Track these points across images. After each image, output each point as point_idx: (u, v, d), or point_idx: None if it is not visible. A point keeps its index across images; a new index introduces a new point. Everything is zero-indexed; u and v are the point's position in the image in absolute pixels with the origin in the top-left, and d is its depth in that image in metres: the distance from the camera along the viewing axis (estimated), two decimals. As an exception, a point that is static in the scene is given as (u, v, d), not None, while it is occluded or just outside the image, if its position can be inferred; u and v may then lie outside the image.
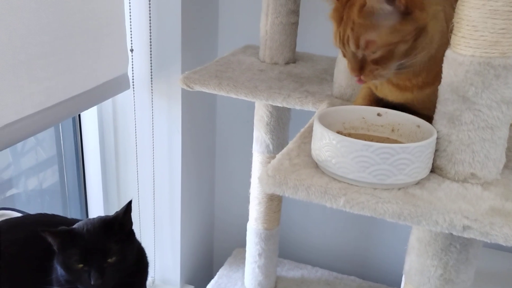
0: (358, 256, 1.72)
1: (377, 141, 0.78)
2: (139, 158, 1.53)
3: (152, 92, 1.44)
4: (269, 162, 0.79)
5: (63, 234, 0.98)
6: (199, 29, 1.47)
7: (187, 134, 1.51)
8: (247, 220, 1.47)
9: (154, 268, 1.66)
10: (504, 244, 0.65)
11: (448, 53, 0.72)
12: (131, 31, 1.36)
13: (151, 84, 1.43)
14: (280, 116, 1.32)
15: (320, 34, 1.41)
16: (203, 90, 1.16)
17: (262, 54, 1.29)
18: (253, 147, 1.38)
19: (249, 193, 1.45)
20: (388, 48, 0.74)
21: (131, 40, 1.37)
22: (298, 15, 1.27)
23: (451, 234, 0.70)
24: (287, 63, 1.29)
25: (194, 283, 1.75)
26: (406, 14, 0.72)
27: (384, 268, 1.69)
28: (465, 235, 0.67)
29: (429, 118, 0.78)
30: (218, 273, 1.65)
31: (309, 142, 0.80)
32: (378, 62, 0.76)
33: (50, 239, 0.98)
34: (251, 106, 1.35)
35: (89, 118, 1.52)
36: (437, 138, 0.74)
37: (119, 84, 1.36)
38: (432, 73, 0.78)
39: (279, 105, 1.11)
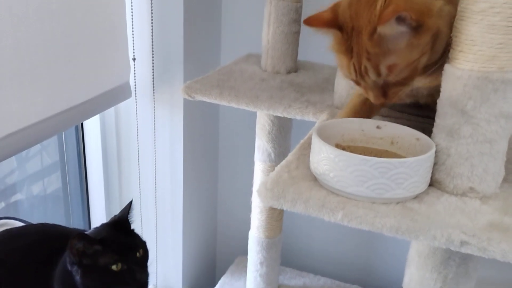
0: (360, 264, 1.72)
1: (376, 154, 0.79)
2: (141, 166, 1.53)
3: (154, 101, 1.44)
4: (271, 171, 0.79)
5: (93, 241, 0.97)
6: (202, 38, 1.48)
7: (189, 142, 1.51)
8: (249, 228, 1.47)
9: (156, 276, 1.66)
10: (501, 260, 0.65)
11: (447, 67, 0.72)
12: (133, 40, 1.37)
13: (153, 93, 1.43)
14: (281, 125, 1.32)
15: (322, 43, 1.41)
16: (205, 100, 1.16)
17: (264, 63, 1.30)
18: (255, 155, 1.38)
19: (251, 201, 1.45)
20: (412, 66, 0.72)
21: (133, 49, 1.38)
22: (300, 24, 1.27)
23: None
24: (288, 72, 1.29)
25: (196, 291, 1.75)
26: (418, 27, 0.70)
27: (387, 276, 1.69)
28: (463, 250, 0.66)
29: None
30: (220, 281, 1.64)
31: (309, 154, 0.80)
32: (402, 83, 0.74)
33: (79, 248, 0.95)
34: (254, 114, 1.35)
35: (92, 126, 1.52)
36: (436, 152, 0.74)
37: (121, 93, 1.37)
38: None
39: (280, 115, 1.11)
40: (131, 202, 1.05)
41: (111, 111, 1.50)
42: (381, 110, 0.94)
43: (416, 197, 0.73)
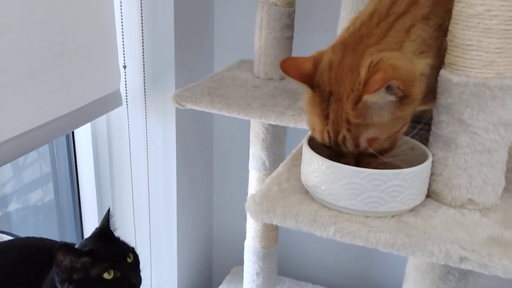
0: (358, 273, 1.69)
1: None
2: (134, 175, 1.50)
3: (145, 109, 1.41)
4: (265, 180, 0.76)
5: (80, 253, 0.95)
6: (194, 44, 1.45)
7: (182, 150, 1.48)
8: (245, 237, 1.44)
9: (151, 287, 1.63)
10: (503, 277, 0.61)
11: (443, 73, 0.68)
12: (123, 47, 1.34)
13: (145, 100, 1.40)
14: (276, 132, 1.29)
15: (315, 49, 1.38)
16: (195, 108, 1.13)
17: (257, 70, 1.27)
18: (249, 164, 1.35)
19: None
20: (392, 138, 0.68)
21: (124, 56, 1.35)
22: (293, 29, 1.24)
23: (448, 263, 0.66)
24: (282, 78, 1.26)
25: (192, 302, 1.72)
26: (404, 98, 0.64)
27: (385, 285, 1.65)
28: (463, 266, 0.63)
29: None
30: (216, 292, 1.61)
31: (300, 165, 0.77)
32: (379, 155, 0.68)
33: (66, 265, 0.93)
34: (248, 122, 1.32)
35: (83, 135, 1.50)
36: (433, 162, 0.71)
37: (111, 101, 1.34)
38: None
39: (273, 123, 1.08)
40: (108, 210, 1.03)
41: (102, 120, 1.47)
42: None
43: (412, 209, 0.70)
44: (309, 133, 0.81)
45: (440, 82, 0.69)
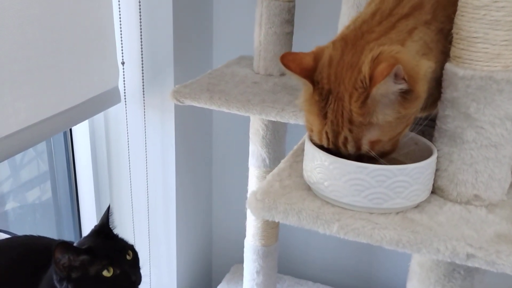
0: (360, 271, 1.67)
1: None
2: (133, 173, 1.49)
3: (144, 106, 1.40)
4: (266, 177, 0.75)
5: (79, 251, 0.93)
6: (193, 40, 1.43)
7: (181, 148, 1.47)
8: (245, 235, 1.42)
9: (150, 286, 1.61)
10: (511, 274, 0.60)
11: (448, 66, 0.67)
12: (121, 43, 1.32)
13: (143, 97, 1.39)
14: (276, 129, 1.27)
15: (315, 44, 1.37)
16: (194, 105, 1.12)
17: (256, 66, 1.25)
18: (249, 161, 1.33)
19: (246, 208, 1.40)
20: (393, 140, 0.66)
21: (122, 53, 1.33)
22: (292, 25, 1.22)
23: (454, 260, 0.65)
24: (282, 74, 1.24)
25: (192, 300, 1.70)
26: (408, 93, 0.62)
27: (388, 284, 1.64)
28: (469, 263, 0.62)
29: None
30: (216, 291, 1.60)
31: (302, 161, 0.75)
32: (381, 156, 0.66)
33: (64, 263, 0.91)
34: (248, 118, 1.31)
35: (81, 132, 1.48)
36: (438, 157, 0.69)
37: (109, 98, 1.33)
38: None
39: (273, 119, 1.07)
40: (109, 207, 1.02)
41: (100, 117, 1.46)
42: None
43: (417, 206, 0.69)
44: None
45: (445, 76, 0.67)
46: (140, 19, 1.30)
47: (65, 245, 0.91)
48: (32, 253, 1.02)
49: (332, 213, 0.67)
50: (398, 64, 0.59)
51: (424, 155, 0.70)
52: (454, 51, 0.66)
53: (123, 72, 1.35)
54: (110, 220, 1.01)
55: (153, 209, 1.52)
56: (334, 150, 0.67)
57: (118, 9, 1.29)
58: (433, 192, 0.71)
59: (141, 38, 1.32)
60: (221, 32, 1.51)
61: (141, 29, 1.31)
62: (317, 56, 0.68)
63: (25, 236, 1.10)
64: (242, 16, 1.46)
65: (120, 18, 1.30)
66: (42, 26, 1.06)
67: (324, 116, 0.66)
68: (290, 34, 1.22)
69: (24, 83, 1.05)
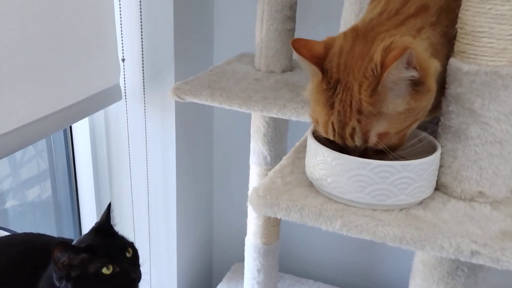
0: (362, 270, 1.67)
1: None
2: (133, 170, 1.48)
3: (145, 103, 1.39)
4: (267, 175, 0.74)
5: (78, 250, 0.93)
6: (193, 37, 1.43)
7: (182, 145, 1.46)
8: (246, 234, 1.42)
9: (150, 284, 1.61)
10: (516, 272, 0.59)
11: (452, 61, 0.66)
12: (122, 40, 1.32)
13: (144, 94, 1.38)
14: (277, 127, 1.27)
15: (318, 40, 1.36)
16: (195, 101, 1.11)
17: (258, 63, 1.24)
18: (250, 159, 1.33)
19: (247, 206, 1.39)
20: (401, 134, 0.65)
21: (123, 49, 1.33)
22: (294, 21, 1.22)
23: (458, 257, 0.64)
24: (283, 71, 1.24)
25: (192, 299, 1.70)
26: (419, 84, 0.62)
27: (389, 282, 1.64)
28: (474, 261, 0.61)
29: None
30: (216, 289, 1.60)
31: (304, 158, 0.74)
32: (386, 151, 0.65)
33: (64, 262, 0.91)
34: (249, 116, 1.30)
35: (81, 130, 1.48)
36: (442, 154, 0.69)
37: (110, 95, 1.32)
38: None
39: (275, 116, 1.06)
40: (109, 204, 1.02)
41: (100, 114, 1.45)
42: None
43: (421, 202, 0.68)
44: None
45: (449, 71, 0.67)
46: (141, 15, 1.30)
47: (64, 245, 0.91)
48: (31, 250, 1.02)
49: (335, 210, 0.66)
50: (410, 49, 0.59)
51: (428, 151, 0.69)
52: (458, 46, 0.65)
53: (124, 69, 1.35)
54: (111, 218, 1.01)
55: (153, 207, 1.52)
56: (339, 142, 0.66)
57: (119, 6, 1.29)
58: (436, 188, 0.71)
59: (141, 35, 1.32)
60: (222, 28, 1.51)
61: (141, 25, 1.31)
62: (327, 45, 0.68)
63: (25, 233, 1.10)
64: (243, 12, 1.45)
65: (120, 14, 1.30)
66: (42, 23, 1.05)
67: (331, 106, 0.65)
68: (292, 30, 1.22)
69: (24, 80, 1.04)
